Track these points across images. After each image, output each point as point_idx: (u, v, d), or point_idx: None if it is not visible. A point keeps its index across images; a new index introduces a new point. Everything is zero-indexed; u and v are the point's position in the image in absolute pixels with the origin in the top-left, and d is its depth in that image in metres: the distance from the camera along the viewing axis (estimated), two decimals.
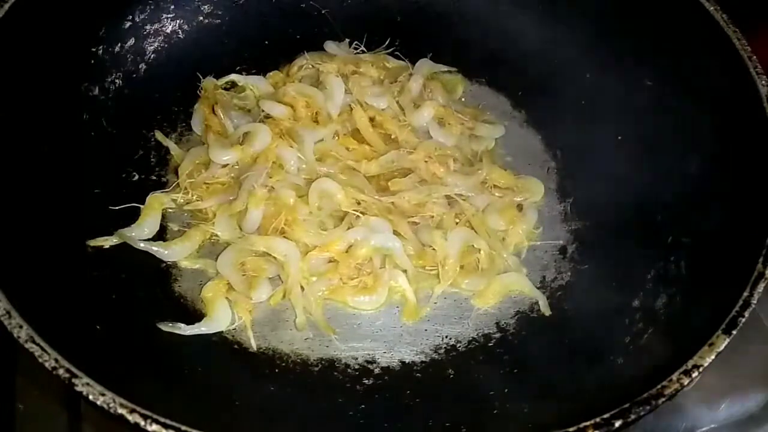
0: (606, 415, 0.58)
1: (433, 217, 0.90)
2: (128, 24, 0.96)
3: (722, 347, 0.61)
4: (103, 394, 0.58)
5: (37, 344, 0.57)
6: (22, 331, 0.57)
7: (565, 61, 1.00)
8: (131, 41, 0.96)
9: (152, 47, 0.99)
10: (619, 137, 0.94)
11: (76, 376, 0.56)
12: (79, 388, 0.56)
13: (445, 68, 1.05)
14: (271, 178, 0.88)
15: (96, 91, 0.92)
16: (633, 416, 0.57)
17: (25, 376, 0.83)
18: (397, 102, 0.99)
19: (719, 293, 0.70)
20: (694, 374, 0.60)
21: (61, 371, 0.56)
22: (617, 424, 0.57)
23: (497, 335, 0.84)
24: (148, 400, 0.60)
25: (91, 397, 0.57)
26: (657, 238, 0.84)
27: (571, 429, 0.57)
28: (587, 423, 0.57)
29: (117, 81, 0.94)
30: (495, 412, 0.74)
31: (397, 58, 1.04)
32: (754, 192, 0.75)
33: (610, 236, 0.89)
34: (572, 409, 0.67)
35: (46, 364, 0.56)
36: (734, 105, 0.80)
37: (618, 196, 0.91)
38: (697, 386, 0.61)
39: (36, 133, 0.83)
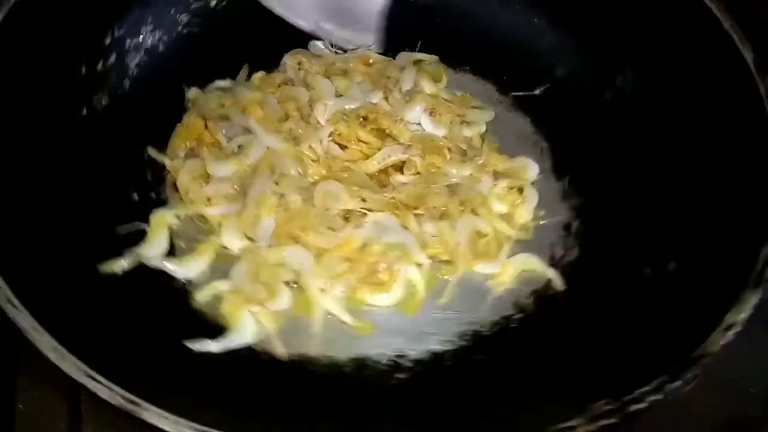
0: (664, 377, 0.59)
1: (435, 207, 0.91)
2: (108, 40, 0.93)
3: (754, 302, 0.64)
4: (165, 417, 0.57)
5: (92, 377, 0.55)
6: (80, 372, 0.56)
7: (548, 45, 1.02)
8: (113, 57, 0.94)
9: (134, 62, 0.96)
10: (607, 113, 0.98)
11: (138, 405, 0.55)
12: (144, 416, 0.55)
13: (426, 57, 1.05)
14: (277, 184, 0.87)
15: (84, 112, 0.89)
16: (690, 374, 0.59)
17: (25, 376, 0.82)
18: (386, 98, 0.99)
19: (732, 252, 0.73)
20: (730, 333, 0.62)
21: (121, 400, 0.54)
22: (673, 385, 0.59)
23: (518, 316, 0.85)
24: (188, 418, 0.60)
25: (153, 421, 0.56)
26: (658, 206, 0.87)
27: (631, 395, 0.58)
28: (647, 388, 0.59)
29: (103, 100, 0.92)
30: (533, 390, 0.76)
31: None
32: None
33: (610, 209, 0.91)
34: (614, 377, 0.69)
35: (111, 400, 0.55)
36: (735, 103, 0.83)
37: (613, 168, 0.94)
38: (698, 387, 0.63)
39: (30, 163, 0.80)
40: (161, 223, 0.86)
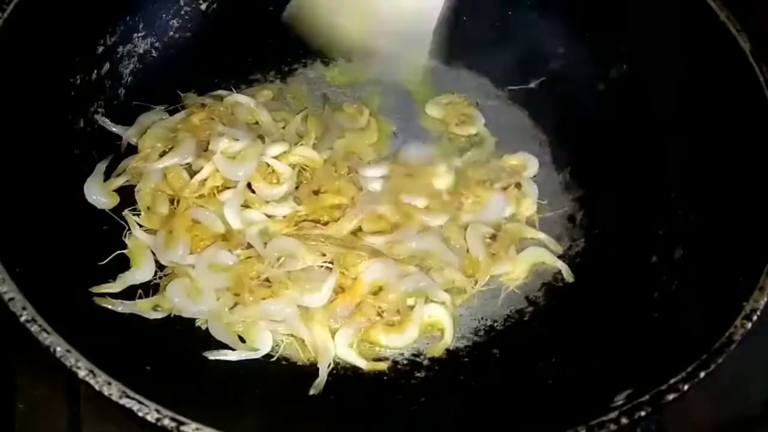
0: (689, 369, 0.61)
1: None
2: (101, 48, 0.91)
3: None
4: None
5: (134, 399, 0.54)
6: (112, 388, 0.55)
7: (542, 38, 1.02)
8: (106, 66, 0.92)
9: (128, 70, 0.94)
10: (604, 104, 0.99)
11: (183, 423, 0.54)
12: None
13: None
14: None
15: (81, 124, 0.87)
16: (712, 366, 0.60)
17: (25, 376, 0.82)
18: None
19: (740, 237, 0.75)
20: (754, 318, 0.64)
21: (166, 421, 0.54)
22: (702, 374, 0.60)
23: (530, 309, 0.86)
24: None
25: None
26: (660, 196, 0.88)
27: (664, 385, 0.59)
28: (676, 379, 0.60)
29: (100, 110, 0.90)
30: (549, 382, 0.77)
31: None
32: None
33: (612, 198, 0.92)
34: (638, 368, 0.71)
35: (148, 417, 0.54)
36: (732, 89, 0.84)
37: (613, 157, 0.95)
38: (698, 386, 0.64)
39: (29, 176, 0.78)
40: (140, 245, 0.83)
